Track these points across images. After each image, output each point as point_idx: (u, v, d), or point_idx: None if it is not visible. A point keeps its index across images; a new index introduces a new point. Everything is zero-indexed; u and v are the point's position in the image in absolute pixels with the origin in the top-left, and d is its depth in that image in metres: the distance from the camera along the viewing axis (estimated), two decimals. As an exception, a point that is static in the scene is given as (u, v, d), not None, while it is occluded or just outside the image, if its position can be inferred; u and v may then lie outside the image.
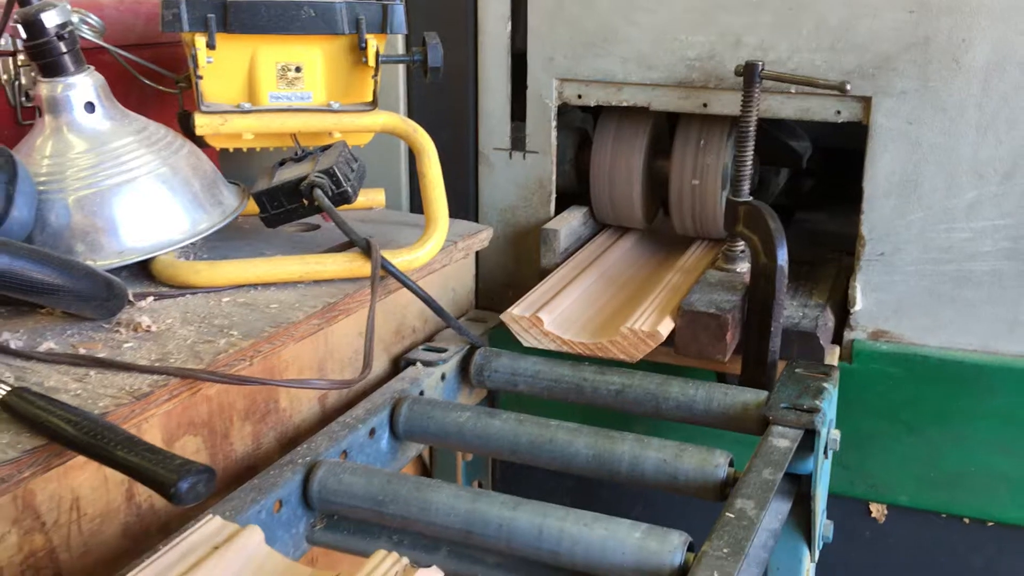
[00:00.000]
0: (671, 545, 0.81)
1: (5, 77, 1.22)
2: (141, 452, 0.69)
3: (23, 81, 1.24)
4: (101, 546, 0.84)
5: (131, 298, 1.01)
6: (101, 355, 0.88)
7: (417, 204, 1.49)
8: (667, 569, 0.81)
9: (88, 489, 0.82)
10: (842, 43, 1.22)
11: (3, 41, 1.21)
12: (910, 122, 1.20)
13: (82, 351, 0.89)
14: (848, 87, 1.17)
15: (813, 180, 1.85)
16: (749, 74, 1.20)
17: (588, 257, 1.42)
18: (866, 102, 1.23)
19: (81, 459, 0.80)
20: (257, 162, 1.31)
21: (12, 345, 0.89)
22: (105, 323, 0.96)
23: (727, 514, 0.85)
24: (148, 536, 0.88)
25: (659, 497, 1.32)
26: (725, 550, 0.80)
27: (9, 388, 0.77)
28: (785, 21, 1.23)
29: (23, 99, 1.25)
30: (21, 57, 1.22)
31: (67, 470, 0.79)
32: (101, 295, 0.94)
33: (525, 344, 1.19)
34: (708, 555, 0.79)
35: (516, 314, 1.20)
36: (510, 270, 1.47)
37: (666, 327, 1.15)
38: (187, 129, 1.28)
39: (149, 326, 0.95)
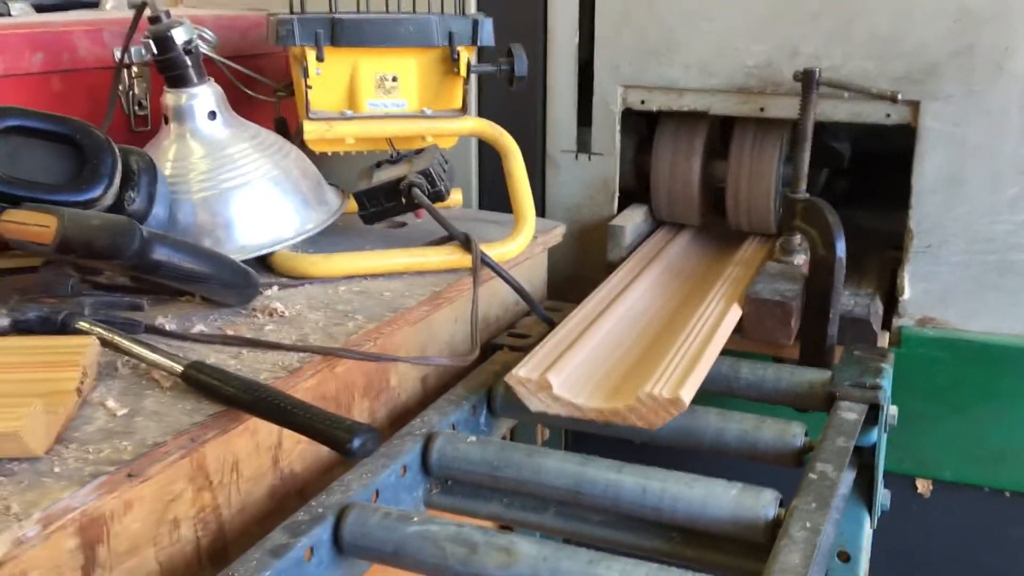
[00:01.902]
0: (765, 500, 0.91)
1: (122, 88, 1.33)
2: (315, 415, 0.80)
3: (136, 91, 1.35)
4: (253, 505, 0.95)
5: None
6: (250, 336, 0.98)
7: (486, 202, 1.60)
8: (762, 522, 0.91)
9: (245, 454, 0.92)
10: (892, 51, 1.32)
11: (119, 53, 1.33)
12: (956, 124, 1.31)
13: (231, 332, 0.99)
14: (899, 96, 1.27)
15: (848, 180, 1.96)
16: (807, 80, 1.30)
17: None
18: (914, 106, 1.33)
19: (240, 427, 0.90)
20: (345, 164, 1.41)
21: (168, 327, 0.99)
22: (243, 309, 1.06)
23: (810, 475, 0.95)
24: (289, 498, 0.99)
25: (734, 468, 1.42)
26: (813, 504, 0.90)
27: (187, 362, 0.87)
28: (839, 31, 1.34)
29: (136, 108, 1.36)
30: (135, 69, 1.34)
31: (229, 437, 0.90)
32: (241, 283, 1.04)
33: (533, 409, 1.07)
34: (799, 509, 0.89)
35: (522, 376, 1.06)
36: (577, 263, 1.57)
37: (689, 392, 1.03)
38: (283, 133, 1.39)
39: (283, 311, 1.05)
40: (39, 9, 1.46)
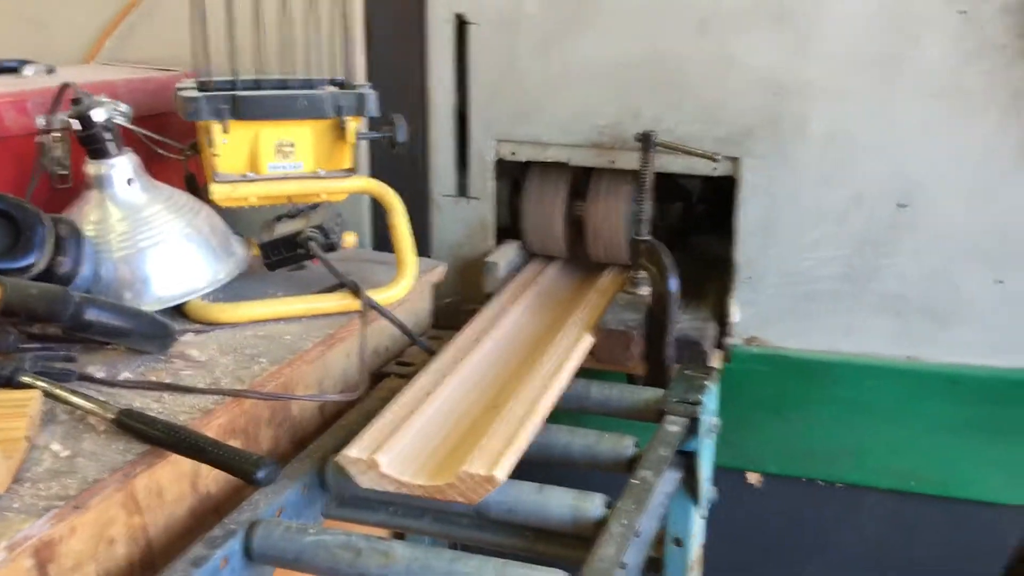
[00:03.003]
0: (595, 503, 1.15)
1: (45, 150, 1.48)
2: (227, 451, 0.99)
3: (58, 154, 1.51)
4: (176, 524, 1.14)
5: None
6: (169, 381, 1.17)
7: (379, 243, 1.80)
8: (592, 521, 1.14)
9: (168, 482, 1.11)
10: (716, 117, 1.57)
11: (40, 121, 1.48)
12: (768, 178, 1.57)
13: (153, 378, 1.18)
14: (718, 157, 1.52)
15: (706, 206, 2.22)
16: (645, 141, 1.54)
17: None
18: (735, 161, 1.58)
19: (164, 460, 1.09)
20: (250, 213, 1.59)
21: (97, 375, 1.17)
22: (162, 356, 1.25)
23: (633, 481, 1.19)
24: (206, 515, 1.18)
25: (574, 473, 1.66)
26: (632, 505, 1.14)
27: (118, 409, 1.06)
28: (673, 100, 1.58)
29: (58, 168, 1.52)
30: (56, 134, 1.50)
31: (155, 469, 1.08)
32: (160, 334, 1.23)
33: (363, 487, 1.14)
34: (619, 509, 1.12)
35: (352, 456, 1.13)
36: (457, 293, 1.79)
37: (503, 471, 1.11)
38: (192, 189, 1.57)
39: (197, 357, 1.24)
40: (-39, 76, 1.59)
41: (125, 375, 1.19)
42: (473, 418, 1.27)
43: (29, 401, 1.04)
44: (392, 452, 1.16)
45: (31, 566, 0.93)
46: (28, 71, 1.62)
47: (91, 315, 1.14)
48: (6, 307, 1.10)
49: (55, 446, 1.03)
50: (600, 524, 1.13)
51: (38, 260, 1.20)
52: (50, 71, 1.65)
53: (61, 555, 0.97)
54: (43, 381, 1.09)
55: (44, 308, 1.10)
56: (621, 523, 1.10)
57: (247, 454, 1.00)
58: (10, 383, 1.09)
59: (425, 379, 1.33)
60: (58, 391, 1.09)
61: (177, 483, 1.12)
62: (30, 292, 1.11)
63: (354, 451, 1.14)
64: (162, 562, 1.07)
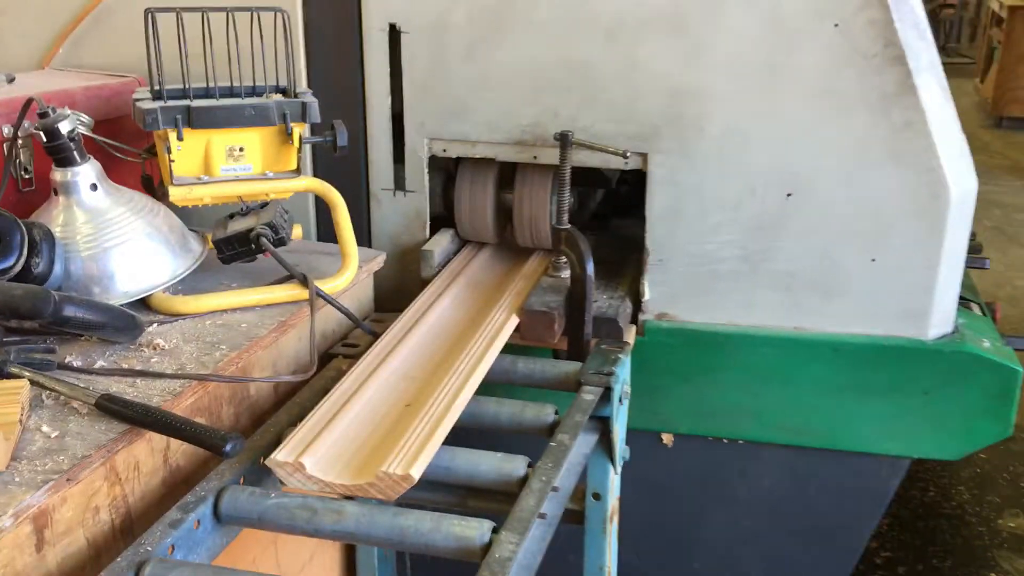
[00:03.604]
0: (517, 464, 1.33)
1: (10, 156, 1.61)
2: (196, 428, 1.15)
3: (22, 159, 1.63)
4: (151, 493, 1.29)
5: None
6: (139, 368, 1.32)
7: (323, 234, 1.95)
8: (515, 479, 1.32)
9: (143, 456, 1.27)
10: (627, 116, 1.75)
11: (7, 130, 1.60)
12: (673, 171, 1.75)
13: (125, 366, 1.33)
14: (628, 154, 1.70)
15: (627, 189, 2.41)
16: (563, 141, 1.72)
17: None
18: (644, 157, 1.77)
19: (140, 438, 1.24)
20: (204, 210, 1.73)
21: (75, 364, 1.32)
22: (131, 345, 1.39)
23: (551, 443, 1.37)
24: (177, 486, 1.33)
25: (511, 438, 1.85)
26: (550, 464, 1.32)
27: (98, 395, 1.21)
28: (588, 101, 1.75)
29: (23, 172, 1.64)
30: (20, 140, 1.62)
31: (133, 446, 1.24)
32: (129, 327, 1.37)
33: (291, 486, 1.23)
34: (539, 468, 1.31)
35: (280, 459, 1.22)
36: (399, 279, 1.95)
37: (419, 469, 1.21)
38: (148, 188, 1.70)
39: (163, 346, 1.39)
40: (-73, 88, 1.70)
41: (100, 363, 1.33)
42: (394, 418, 1.37)
43: (20, 389, 1.19)
44: (317, 454, 1.25)
45: (30, 532, 1.09)
46: (-11, 81, 1.73)
47: (69, 311, 1.29)
48: (-9, 306, 1.24)
49: (45, 428, 1.18)
50: (523, 482, 1.32)
51: (16, 263, 1.34)
52: (11, 80, 1.76)
53: (55, 522, 1.13)
54: (29, 371, 1.24)
55: (28, 307, 1.24)
56: (540, 480, 1.29)
57: (216, 431, 1.16)
58: (0, 373, 1.23)
59: (350, 380, 1.44)
60: (42, 379, 1.23)
61: (151, 458, 1.28)
62: (14, 292, 1.25)
63: (282, 455, 1.23)
64: (140, 527, 1.24)
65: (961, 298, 1.83)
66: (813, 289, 1.76)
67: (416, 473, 1.21)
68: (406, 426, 1.33)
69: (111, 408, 1.19)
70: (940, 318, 1.74)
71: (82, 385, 1.26)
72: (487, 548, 1.14)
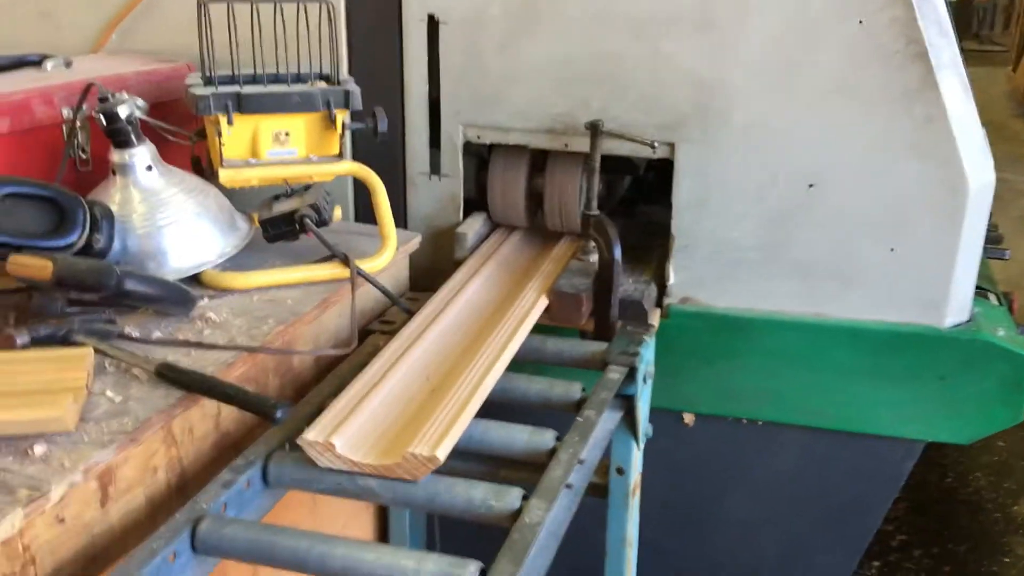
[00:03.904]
0: (547, 437, 1.41)
1: (70, 137, 1.70)
2: (248, 395, 1.24)
3: (80, 140, 1.72)
4: (203, 455, 1.38)
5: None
6: (193, 339, 1.41)
7: (360, 215, 2.03)
8: (545, 451, 1.40)
9: (197, 421, 1.36)
10: (655, 107, 1.81)
11: (66, 113, 1.69)
12: (700, 160, 1.82)
13: (180, 337, 1.42)
14: (656, 145, 1.77)
15: (654, 176, 2.47)
16: (594, 130, 1.79)
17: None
18: (671, 146, 1.83)
19: (195, 404, 1.33)
20: (246, 194, 1.81)
21: (133, 335, 1.41)
22: (185, 318, 1.48)
23: (578, 419, 1.45)
24: (227, 450, 1.42)
25: (540, 413, 1.92)
26: (576, 438, 1.40)
27: (157, 363, 1.30)
28: (617, 93, 1.82)
29: (80, 152, 1.73)
30: (78, 123, 1.71)
31: (188, 411, 1.33)
32: (183, 300, 1.46)
33: (321, 466, 1.27)
34: (566, 441, 1.39)
35: (310, 439, 1.26)
36: (433, 260, 2.03)
37: (444, 450, 1.25)
38: (197, 170, 1.79)
39: (214, 319, 1.48)
40: (-7, 70, 1.79)
41: (157, 334, 1.42)
42: (423, 398, 1.41)
43: (85, 356, 1.28)
44: (346, 435, 1.29)
45: (96, 487, 1.18)
46: (49, 65, 1.82)
47: (130, 285, 1.38)
48: (58, 280, 1.33)
49: (109, 393, 1.27)
50: (551, 453, 1.40)
51: (79, 238, 1.43)
52: (68, 64, 1.85)
53: (118, 479, 1.22)
54: (92, 339, 1.33)
55: (93, 280, 1.33)
56: (568, 452, 1.36)
57: (267, 399, 1.25)
58: (65, 341, 1.32)
59: (382, 360, 1.49)
60: (105, 347, 1.32)
61: (204, 423, 1.37)
62: (80, 266, 1.34)
63: (312, 434, 1.27)
64: (192, 487, 1.32)
65: (978, 288, 1.89)
66: (833, 277, 1.82)
67: (442, 455, 1.25)
68: (434, 407, 1.37)
69: (170, 376, 1.28)
70: (956, 307, 1.79)
71: (140, 354, 1.35)
72: (517, 514, 1.22)
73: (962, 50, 1.79)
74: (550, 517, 1.22)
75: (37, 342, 1.32)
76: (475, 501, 1.25)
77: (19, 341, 1.30)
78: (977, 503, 3.35)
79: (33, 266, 1.34)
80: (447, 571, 1.10)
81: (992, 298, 2.01)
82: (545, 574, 1.22)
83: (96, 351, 1.32)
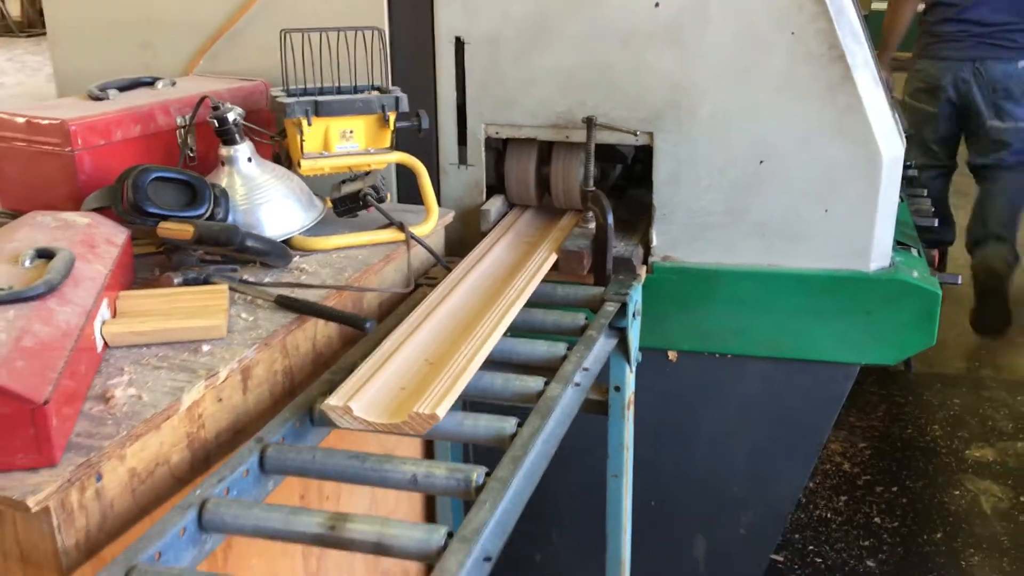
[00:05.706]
0: (560, 348, 1.88)
1: (184, 139, 2.18)
2: (346, 315, 1.72)
3: (189, 141, 2.21)
4: (306, 366, 1.86)
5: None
6: (295, 282, 1.89)
7: (402, 197, 2.52)
8: (558, 357, 1.87)
9: (301, 339, 1.83)
10: (638, 104, 2.30)
11: (180, 120, 2.18)
12: (674, 146, 2.30)
13: (286, 280, 1.90)
14: (638, 133, 2.26)
15: (641, 166, 2.96)
16: (589, 124, 2.27)
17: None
18: (651, 135, 2.32)
19: (301, 323, 1.81)
20: (319, 179, 2.29)
21: (251, 280, 1.89)
22: (285, 270, 1.97)
23: (582, 336, 1.93)
24: (319, 365, 1.90)
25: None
26: (583, 347, 1.87)
27: (275, 295, 1.78)
28: (607, 94, 2.31)
29: (190, 151, 2.22)
30: (188, 127, 2.20)
31: (296, 330, 1.80)
32: (284, 255, 1.95)
33: (340, 427, 1.48)
34: (575, 350, 1.86)
35: (332, 404, 1.45)
36: (462, 232, 2.51)
37: (444, 408, 1.44)
38: (277, 163, 2.27)
39: (307, 269, 1.96)
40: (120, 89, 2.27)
41: (268, 279, 1.91)
42: (437, 357, 1.66)
43: (223, 291, 1.76)
44: (363, 399, 1.49)
45: (240, 379, 1.66)
46: (160, 84, 2.31)
47: (250, 242, 1.86)
48: (198, 239, 1.82)
49: (243, 315, 1.75)
50: (563, 359, 1.87)
51: (207, 210, 1.91)
52: (173, 84, 2.34)
53: (252, 375, 1.70)
54: (225, 280, 1.81)
55: (225, 237, 1.81)
56: (576, 355, 1.84)
57: (358, 316, 1.73)
58: (207, 282, 1.81)
59: (399, 331, 1.74)
60: (235, 286, 1.80)
61: (305, 342, 1.85)
62: (214, 228, 1.82)
63: (333, 400, 1.47)
64: (298, 391, 1.80)
65: (901, 243, 2.37)
66: (782, 234, 2.30)
67: (441, 412, 1.45)
68: (436, 375, 1.57)
69: (286, 303, 1.76)
70: (878, 254, 2.27)
71: (262, 290, 1.83)
72: (540, 394, 1.69)
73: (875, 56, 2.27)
74: (566, 395, 1.70)
75: (187, 283, 1.80)
76: (502, 387, 1.72)
77: (176, 281, 1.78)
78: (933, 449, 3.82)
79: (178, 229, 1.82)
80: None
81: (914, 252, 2.49)
82: (561, 438, 1.69)
83: (231, 289, 1.80)
